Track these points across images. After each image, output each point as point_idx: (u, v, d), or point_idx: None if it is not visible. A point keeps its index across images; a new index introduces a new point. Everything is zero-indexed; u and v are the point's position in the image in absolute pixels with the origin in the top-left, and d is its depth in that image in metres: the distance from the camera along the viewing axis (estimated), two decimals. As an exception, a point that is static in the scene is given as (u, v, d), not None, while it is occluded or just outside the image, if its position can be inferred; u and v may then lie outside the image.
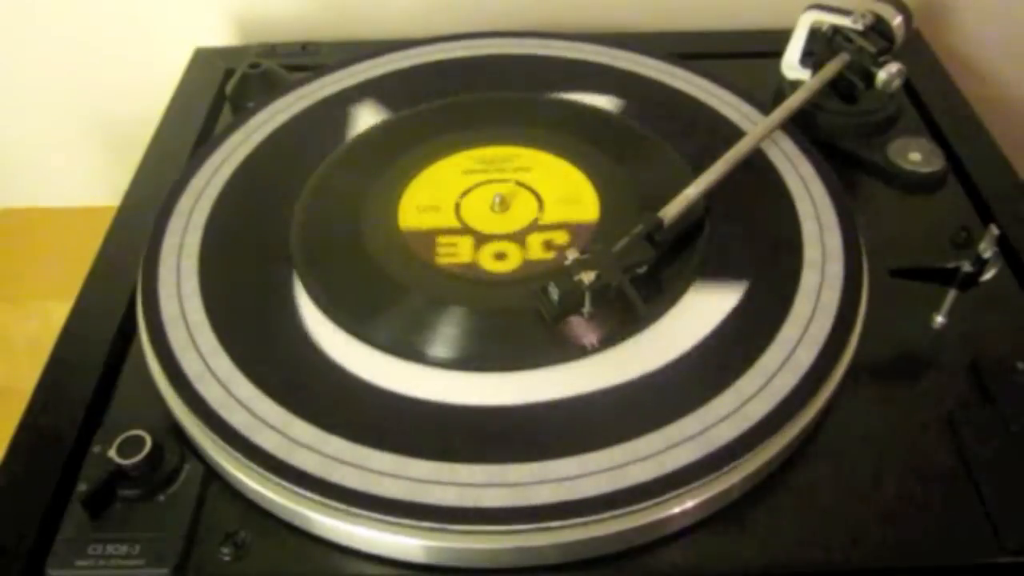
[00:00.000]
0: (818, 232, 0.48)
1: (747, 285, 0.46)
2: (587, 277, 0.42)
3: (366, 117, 0.57)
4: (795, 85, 0.57)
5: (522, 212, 0.50)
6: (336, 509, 0.37)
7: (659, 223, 0.45)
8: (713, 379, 0.41)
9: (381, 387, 0.41)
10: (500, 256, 0.48)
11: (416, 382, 0.42)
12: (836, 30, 0.57)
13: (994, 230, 0.42)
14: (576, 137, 0.55)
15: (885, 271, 0.47)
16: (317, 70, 0.62)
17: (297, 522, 0.38)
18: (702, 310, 0.44)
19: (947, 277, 0.44)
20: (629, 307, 0.42)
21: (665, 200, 0.47)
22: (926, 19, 0.70)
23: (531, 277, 0.46)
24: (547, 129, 0.56)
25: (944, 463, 0.40)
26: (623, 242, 0.44)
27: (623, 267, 0.43)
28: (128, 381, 0.45)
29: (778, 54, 0.61)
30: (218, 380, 0.42)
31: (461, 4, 0.72)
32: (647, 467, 0.38)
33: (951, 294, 0.44)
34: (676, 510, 0.37)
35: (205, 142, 0.58)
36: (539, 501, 0.37)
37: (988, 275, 0.43)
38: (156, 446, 0.39)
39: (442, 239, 0.48)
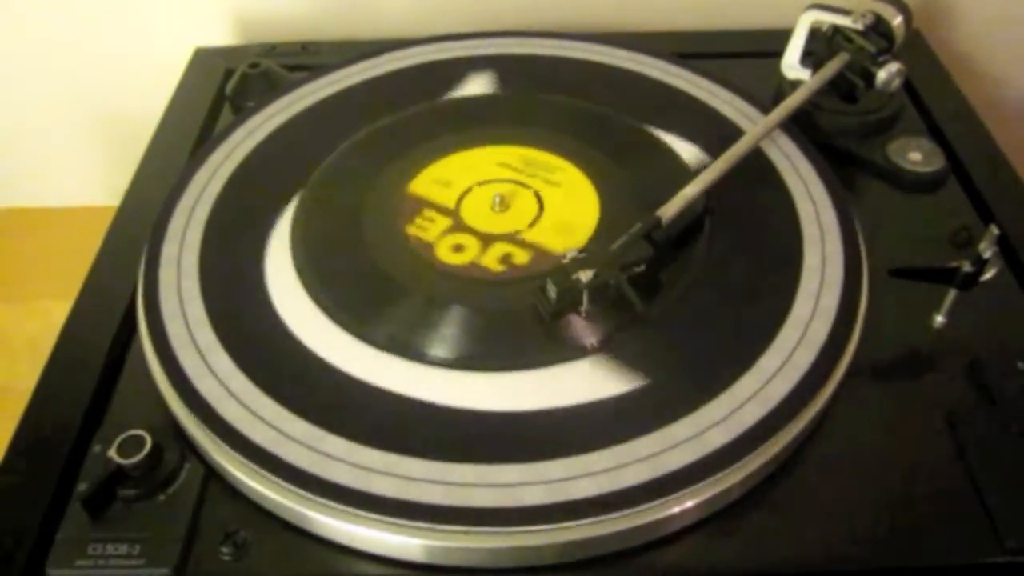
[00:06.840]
0: (818, 232, 0.48)
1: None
2: (585, 275, 0.42)
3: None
4: (795, 85, 0.57)
5: (522, 212, 0.50)
6: (336, 509, 0.37)
7: (657, 222, 0.45)
8: (713, 379, 0.41)
9: (381, 387, 0.41)
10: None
11: (415, 382, 0.42)
12: (836, 30, 0.57)
13: (994, 230, 0.42)
14: (576, 137, 0.55)
15: (885, 271, 0.46)
16: (317, 70, 0.62)
17: (297, 522, 0.38)
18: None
19: (947, 277, 0.43)
20: (627, 306, 0.42)
21: (665, 200, 0.47)
22: (926, 19, 0.70)
23: (531, 277, 0.46)
24: (547, 129, 0.56)
25: (944, 463, 0.40)
26: (621, 240, 0.44)
27: (621, 265, 0.43)
28: (128, 381, 0.45)
29: (778, 54, 0.61)
30: (218, 379, 0.42)
31: (461, 4, 0.72)
32: (647, 468, 0.38)
33: (951, 294, 0.44)
34: (676, 510, 0.37)
35: (205, 142, 0.58)
36: (539, 501, 0.37)
37: (988, 275, 0.43)
38: (156, 446, 0.39)
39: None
